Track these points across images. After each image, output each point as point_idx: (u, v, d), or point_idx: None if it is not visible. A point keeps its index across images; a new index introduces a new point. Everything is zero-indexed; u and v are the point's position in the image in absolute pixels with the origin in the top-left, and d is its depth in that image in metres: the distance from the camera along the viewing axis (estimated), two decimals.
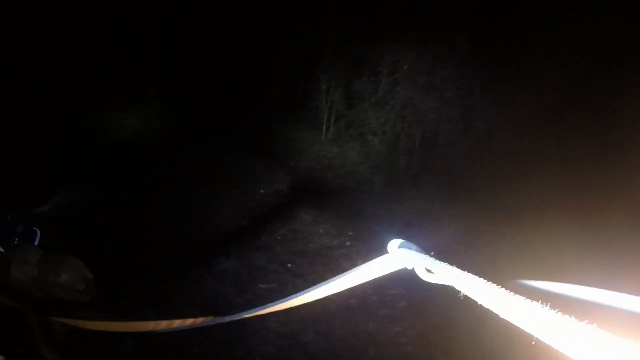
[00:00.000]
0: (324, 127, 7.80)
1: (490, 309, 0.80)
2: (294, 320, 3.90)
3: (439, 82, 7.04)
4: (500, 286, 0.79)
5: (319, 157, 7.43)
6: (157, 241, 5.04)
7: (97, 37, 7.50)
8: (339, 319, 3.95)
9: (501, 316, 0.77)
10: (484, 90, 6.73)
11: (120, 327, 2.26)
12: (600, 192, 4.90)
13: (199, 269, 4.64)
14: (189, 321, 2.00)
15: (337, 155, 7.39)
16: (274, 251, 5.05)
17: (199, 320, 2.00)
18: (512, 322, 0.75)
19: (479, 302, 0.82)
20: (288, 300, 1.56)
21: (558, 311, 0.69)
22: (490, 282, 0.81)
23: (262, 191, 6.32)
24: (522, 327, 0.73)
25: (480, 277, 0.84)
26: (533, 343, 0.73)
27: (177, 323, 2.02)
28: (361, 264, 4.45)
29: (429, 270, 0.97)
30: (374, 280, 4.18)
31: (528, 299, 0.74)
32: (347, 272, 1.30)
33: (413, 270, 1.05)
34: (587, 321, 0.66)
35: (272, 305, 1.64)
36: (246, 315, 1.84)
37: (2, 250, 2.46)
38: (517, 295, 0.75)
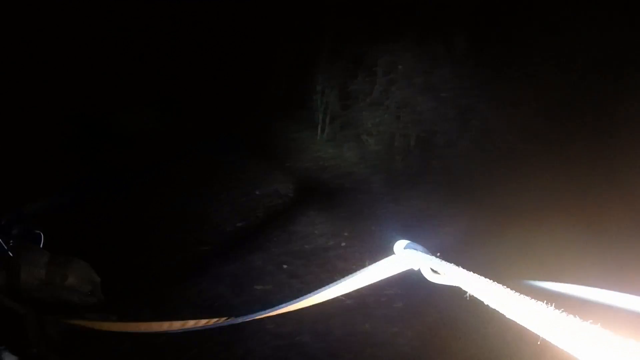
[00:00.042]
0: (320, 127, 7.80)
1: (495, 309, 0.80)
2: (291, 322, 3.89)
3: (434, 82, 7.05)
4: (505, 286, 0.79)
5: (315, 157, 7.43)
6: (156, 241, 5.02)
7: (97, 37, 7.48)
8: (336, 320, 3.94)
9: (507, 316, 0.77)
10: (481, 90, 6.73)
11: (135, 328, 2.27)
12: (600, 193, 4.91)
13: (196, 270, 4.63)
14: (202, 322, 2.02)
15: (333, 156, 7.39)
16: (270, 252, 5.05)
17: (212, 320, 2.00)
18: (518, 322, 0.75)
19: (485, 303, 0.81)
20: (300, 300, 1.58)
21: (563, 311, 0.69)
22: (496, 283, 0.81)
23: (258, 192, 6.31)
24: (527, 327, 0.73)
25: (484, 277, 0.84)
26: (539, 343, 0.73)
27: (191, 323, 2.04)
28: (357, 265, 4.48)
29: (435, 271, 0.97)
30: None
31: (533, 299, 0.74)
32: (355, 273, 1.31)
33: (414, 270, 1.05)
34: (591, 321, 0.66)
35: (285, 306, 1.66)
36: (258, 317, 1.87)
37: (11, 255, 2.47)
38: (522, 295, 0.75)
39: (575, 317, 0.68)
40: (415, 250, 1.07)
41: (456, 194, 6.08)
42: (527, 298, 0.76)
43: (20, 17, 6.88)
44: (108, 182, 6.25)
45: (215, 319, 1.99)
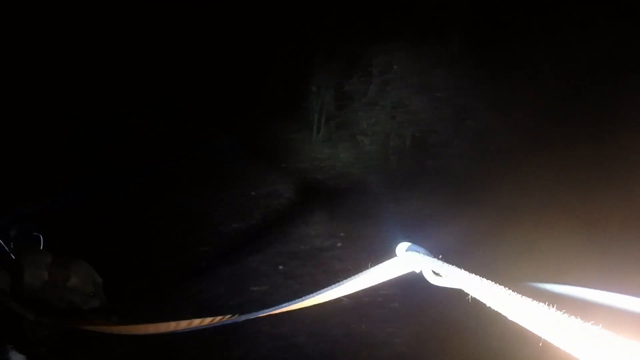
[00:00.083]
0: (315, 128, 7.80)
1: (494, 311, 0.80)
2: (287, 323, 3.89)
3: (430, 82, 7.06)
4: (507, 288, 0.78)
5: (310, 158, 7.42)
6: (153, 242, 5.01)
7: (97, 37, 7.46)
8: (332, 321, 3.93)
9: (509, 318, 0.77)
10: (476, 90, 6.75)
11: (143, 330, 2.28)
12: (600, 194, 4.91)
13: (192, 272, 4.62)
14: (207, 320, 2.06)
15: (329, 156, 7.39)
16: (266, 253, 5.04)
17: (217, 318, 2.05)
18: (520, 324, 0.75)
19: (488, 305, 0.81)
20: (302, 300, 1.59)
21: (564, 312, 0.69)
22: (498, 285, 0.81)
23: (254, 193, 6.30)
24: (529, 329, 0.73)
25: (486, 279, 0.83)
26: (540, 344, 0.73)
27: (196, 322, 2.09)
28: (353, 265, 4.46)
29: (437, 273, 0.97)
30: None
31: (535, 301, 0.74)
32: (358, 275, 1.31)
33: (416, 273, 1.04)
34: (592, 322, 0.66)
35: (286, 306, 1.67)
36: (261, 315, 1.91)
37: (13, 257, 2.48)
38: (524, 297, 0.75)
39: (576, 318, 0.68)
40: (417, 253, 1.06)
41: (452, 194, 6.08)
42: (529, 300, 0.75)
43: (20, 17, 6.85)
44: (108, 182, 6.23)
45: (219, 317, 2.03)
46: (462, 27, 7.02)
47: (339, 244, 5.25)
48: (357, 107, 7.54)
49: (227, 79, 8.15)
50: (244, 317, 1.98)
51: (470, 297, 0.87)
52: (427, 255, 1.04)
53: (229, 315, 2.02)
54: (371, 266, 1.25)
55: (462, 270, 0.90)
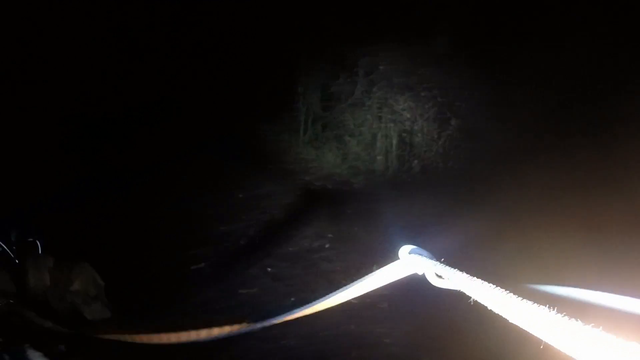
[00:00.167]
0: (302, 129, 7.79)
1: (493, 312, 0.80)
2: (276, 325, 3.85)
3: (415, 82, 7.09)
4: (508, 291, 0.79)
5: (297, 159, 7.41)
6: (147, 244, 4.94)
7: (97, 37, 7.40)
8: (322, 322, 3.91)
9: (510, 321, 0.77)
10: (462, 89, 6.79)
11: (165, 339, 2.29)
12: (595, 193, 4.93)
13: (178, 276, 4.58)
14: (226, 329, 2.09)
15: (315, 157, 7.38)
16: (254, 255, 5.02)
17: (236, 327, 2.13)
18: (521, 326, 0.75)
19: (489, 308, 0.81)
20: (313, 305, 1.63)
21: (565, 315, 0.69)
22: (498, 287, 0.81)
23: (241, 195, 6.27)
24: (530, 331, 0.73)
25: (487, 282, 0.83)
26: (541, 347, 0.73)
27: (215, 331, 2.12)
28: (341, 266, 4.46)
29: (439, 276, 0.97)
30: (354, 281, 4.16)
31: (535, 304, 0.74)
32: (362, 279, 1.34)
33: (419, 275, 1.04)
34: (593, 324, 0.66)
35: (298, 311, 1.71)
36: (275, 322, 1.99)
37: (17, 261, 2.49)
38: (525, 300, 0.75)
39: (577, 320, 0.68)
40: (419, 255, 1.06)
41: (438, 193, 6.11)
42: (529, 302, 0.75)
43: (20, 17, 6.78)
44: (108, 182, 6.18)
45: (238, 326, 2.12)
46: (447, 27, 7.05)
47: (327, 245, 5.24)
48: (344, 107, 7.54)
49: (212, 81, 8.11)
50: (259, 325, 2.03)
51: (472, 299, 0.88)
52: (430, 258, 1.04)
53: (245, 323, 2.06)
54: (376, 269, 1.26)
55: (463, 273, 0.90)
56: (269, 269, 4.80)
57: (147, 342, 2.36)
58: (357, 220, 5.76)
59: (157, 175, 6.49)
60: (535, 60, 6.35)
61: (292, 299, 4.38)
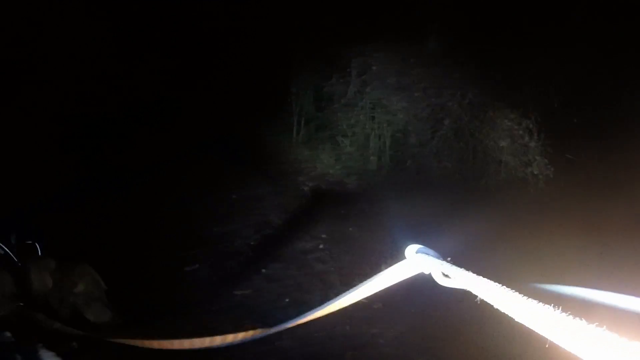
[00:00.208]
0: (295, 129, 7.78)
1: (479, 309, 0.80)
2: (269, 327, 3.84)
3: (408, 82, 7.09)
4: (514, 290, 0.78)
5: (290, 160, 7.39)
6: (142, 245, 4.90)
7: (97, 37, 7.37)
8: (316, 323, 3.89)
9: (516, 319, 0.77)
10: (454, 89, 6.80)
11: (178, 345, 2.29)
12: (595, 193, 4.93)
13: (171, 277, 4.55)
14: (240, 335, 2.11)
15: (309, 158, 7.37)
16: (248, 257, 5.01)
17: (250, 333, 2.18)
18: (526, 325, 0.75)
19: (495, 306, 0.81)
20: (324, 307, 1.64)
21: (569, 314, 0.69)
22: (504, 287, 0.80)
23: (234, 196, 6.25)
24: (536, 330, 0.73)
25: (493, 281, 0.83)
26: (547, 345, 0.72)
27: (230, 338, 2.13)
28: (336, 267, 4.45)
29: (445, 275, 0.97)
30: (349, 282, 4.16)
31: (541, 303, 0.74)
32: (371, 278, 1.36)
33: (425, 274, 1.04)
34: (597, 323, 0.65)
35: (310, 314, 1.72)
36: (288, 326, 2.05)
37: (20, 264, 2.49)
38: (530, 299, 0.75)
39: (581, 319, 0.68)
40: (426, 255, 1.06)
41: (431, 193, 6.12)
42: (534, 301, 0.75)
43: (20, 17, 6.74)
44: (108, 182, 6.16)
45: (252, 332, 2.16)
46: (440, 27, 7.06)
47: (321, 246, 5.23)
48: (337, 108, 7.54)
49: (205, 82, 8.09)
50: (273, 330, 2.05)
51: (478, 298, 0.87)
52: (436, 257, 1.04)
53: (259, 330, 2.08)
54: (384, 268, 1.26)
55: (469, 272, 0.90)
56: (263, 270, 4.79)
57: (157, 347, 2.36)
58: (350, 220, 5.76)
59: (149, 177, 6.45)
60: (529, 60, 6.37)
61: (287, 299, 4.37)
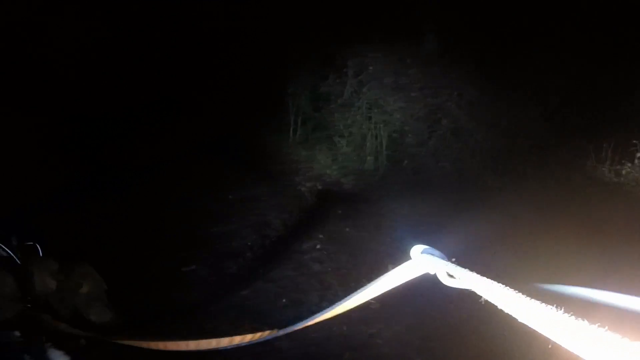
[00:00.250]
0: (292, 130, 7.77)
1: (510, 313, 0.80)
2: (268, 327, 3.83)
3: (404, 83, 7.10)
4: (518, 291, 0.79)
5: (287, 160, 7.39)
6: (139, 246, 4.88)
7: (97, 36, 7.35)
8: (313, 324, 3.90)
9: (519, 320, 0.77)
10: (451, 89, 6.81)
11: (184, 347, 2.29)
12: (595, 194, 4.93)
13: (168, 278, 4.54)
14: (248, 337, 2.13)
15: (306, 158, 7.36)
16: (245, 257, 4.99)
17: (257, 335, 2.15)
18: (529, 325, 0.75)
19: (499, 307, 0.81)
20: (332, 308, 1.66)
21: (572, 314, 0.69)
22: (508, 287, 0.80)
23: (231, 197, 6.23)
24: (538, 330, 0.73)
25: (497, 282, 0.83)
26: (550, 346, 0.73)
27: (237, 339, 2.13)
28: (332, 266, 4.43)
29: (450, 275, 0.97)
30: (346, 282, 4.15)
31: (544, 303, 0.74)
32: (378, 279, 1.36)
33: (430, 275, 1.04)
34: (599, 324, 0.65)
35: (319, 316, 1.73)
36: (296, 328, 2.00)
37: (20, 265, 2.48)
38: (533, 299, 0.75)
39: (584, 320, 0.68)
40: (431, 255, 1.07)
41: (427, 192, 6.12)
42: (537, 302, 0.76)
43: (20, 17, 6.72)
44: (106, 182, 6.14)
45: (259, 334, 2.14)
46: (436, 27, 7.07)
47: (318, 246, 5.23)
48: (333, 108, 7.54)
49: (202, 82, 8.08)
50: (282, 332, 2.05)
51: (482, 299, 0.88)
52: (442, 258, 1.04)
53: (268, 332, 2.08)
54: (391, 268, 1.25)
55: (474, 273, 0.90)
56: (260, 270, 4.78)
57: (163, 349, 2.35)
58: (347, 220, 5.76)
59: (145, 178, 6.44)
60: (527, 60, 6.38)
61: (284, 300, 4.36)
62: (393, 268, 1.25)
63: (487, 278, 0.87)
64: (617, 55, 5.94)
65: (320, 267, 4.86)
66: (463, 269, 0.95)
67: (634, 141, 5.08)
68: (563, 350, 0.69)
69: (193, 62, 8.11)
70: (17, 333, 2.33)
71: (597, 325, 0.66)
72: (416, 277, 1.12)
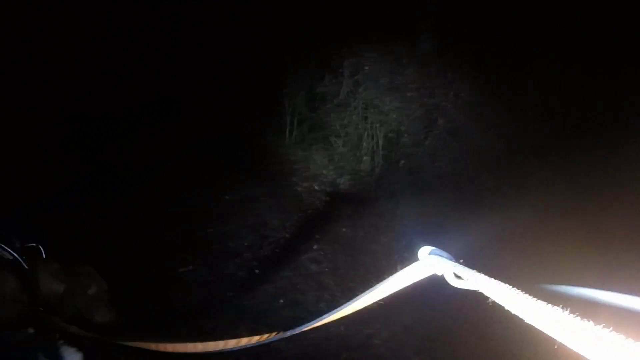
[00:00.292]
0: (288, 130, 7.77)
1: (516, 314, 0.81)
2: (265, 328, 3.84)
3: (401, 82, 7.11)
4: (524, 292, 0.79)
5: (283, 160, 7.38)
6: (137, 246, 4.87)
7: (97, 36, 7.33)
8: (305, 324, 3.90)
9: (526, 321, 0.78)
10: (447, 89, 6.82)
11: (192, 349, 2.30)
12: (595, 194, 4.93)
13: (165, 279, 4.53)
14: (255, 338, 2.13)
15: (302, 158, 7.36)
16: (242, 258, 4.99)
17: (264, 337, 2.13)
18: (536, 326, 0.76)
19: (506, 308, 0.82)
20: (339, 310, 1.70)
21: (577, 315, 0.69)
22: (515, 288, 0.81)
23: (227, 197, 6.22)
24: (545, 331, 0.74)
25: (505, 283, 0.83)
26: (556, 346, 0.73)
27: (244, 341, 2.16)
28: (329, 266, 4.45)
29: (458, 276, 0.98)
30: (343, 282, 4.16)
31: (550, 304, 0.74)
32: (385, 280, 1.38)
33: (438, 276, 1.05)
34: (604, 324, 0.66)
35: (325, 317, 1.77)
36: (303, 329, 1.97)
37: (27, 268, 2.47)
38: (539, 300, 0.76)
39: (589, 320, 0.68)
40: (439, 256, 1.07)
41: (424, 193, 6.13)
42: (543, 303, 0.76)
43: (20, 17, 6.70)
44: (108, 182, 6.13)
45: (266, 335, 2.11)
46: (433, 27, 7.08)
47: (315, 246, 5.23)
48: (329, 108, 7.54)
49: (197, 82, 8.07)
50: (289, 333, 2.07)
51: (490, 300, 0.88)
52: (449, 259, 1.05)
53: (274, 333, 2.10)
54: (400, 269, 1.26)
55: (481, 274, 0.91)
56: (257, 271, 4.78)
57: (171, 351, 2.36)
58: (344, 220, 5.76)
59: (142, 178, 6.42)
60: (524, 59, 6.40)
61: (281, 300, 4.36)
62: (401, 269, 1.25)
63: (494, 279, 0.87)
64: (617, 55, 5.96)
65: (317, 268, 4.86)
66: (471, 270, 0.96)
67: (634, 141, 5.10)
68: (568, 351, 0.69)
69: (191, 62, 8.10)
70: (31, 330, 2.34)
71: (602, 325, 0.66)
72: (423, 278, 1.13)
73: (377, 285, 1.41)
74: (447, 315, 3.94)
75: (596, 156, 5.39)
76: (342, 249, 5.19)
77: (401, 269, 1.26)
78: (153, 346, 2.37)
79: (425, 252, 1.13)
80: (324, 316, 1.74)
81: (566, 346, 0.71)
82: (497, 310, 0.89)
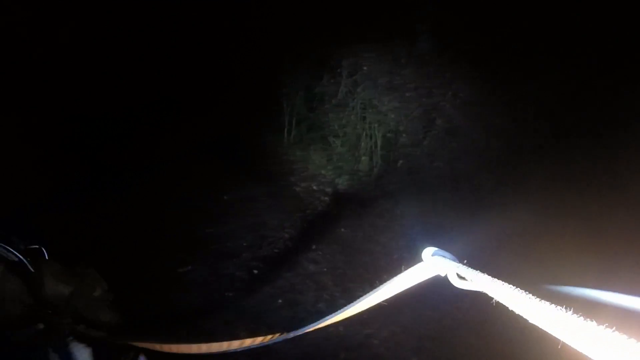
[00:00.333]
0: (286, 130, 7.77)
1: (520, 315, 0.81)
2: (264, 328, 3.85)
3: (399, 82, 7.11)
4: (528, 292, 0.79)
5: (282, 160, 7.38)
6: (136, 246, 4.87)
7: (97, 36, 7.33)
8: (309, 324, 3.90)
9: (530, 321, 0.79)
10: (445, 89, 6.82)
11: (196, 350, 2.30)
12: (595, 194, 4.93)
13: (164, 279, 4.53)
14: (258, 339, 2.11)
15: (300, 158, 7.36)
16: (240, 258, 4.99)
17: (268, 337, 2.12)
18: (540, 326, 0.76)
19: (510, 308, 0.82)
20: (343, 311, 1.68)
21: (580, 315, 0.70)
22: (518, 289, 0.81)
23: (226, 197, 6.22)
24: (549, 331, 0.74)
25: (509, 283, 0.84)
26: (559, 347, 0.74)
27: (248, 342, 2.14)
28: (327, 266, 4.45)
29: (462, 277, 0.98)
30: (341, 282, 4.16)
31: (553, 305, 0.75)
32: (388, 282, 1.37)
33: (441, 277, 1.05)
34: (607, 324, 0.66)
35: (329, 318, 1.75)
36: (306, 330, 1.97)
37: (32, 270, 2.47)
38: (543, 301, 0.76)
39: (592, 321, 0.68)
40: (443, 257, 1.07)
41: (422, 193, 6.13)
42: (547, 303, 0.77)
43: (20, 17, 6.69)
44: (108, 182, 6.13)
45: (270, 336, 2.10)
46: (431, 27, 7.08)
47: (313, 246, 5.23)
48: (328, 108, 7.55)
49: (196, 83, 8.06)
50: (292, 334, 2.06)
51: (494, 301, 0.88)
52: (453, 259, 1.05)
53: (277, 334, 2.08)
54: (404, 269, 1.26)
55: (485, 275, 0.91)
56: (255, 272, 4.78)
57: (176, 352, 2.37)
58: (342, 220, 5.76)
59: (140, 178, 6.42)
60: (523, 59, 6.40)
61: (280, 300, 4.36)
62: (405, 269, 1.26)
63: (497, 280, 0.88)
64: (617, 55, 5.97)
65: (316, 268, 4.86)
66: (474, 270, 0.96)
67: (634, 141, 5.10)
68: (572, 350, 0.70)
69: (191, 62, 8.10)
70: (41, 325, 2.34)
71: (605, 325, 0.67)
72: (427, 279, 1.13)
73: (381, 286, 1.41)
74: (446, 315, 3.95)
75: (596, 156, 5.39)
76: (341, 249, 5.19)
77: (406, 269, 1.26)
78: (158, 347, 2.37)
79: (428, 252, 1.13)
80: (328, 317, 1.74)
81: (570, 346, 0.72)
82: (496, 310, 0.90)
